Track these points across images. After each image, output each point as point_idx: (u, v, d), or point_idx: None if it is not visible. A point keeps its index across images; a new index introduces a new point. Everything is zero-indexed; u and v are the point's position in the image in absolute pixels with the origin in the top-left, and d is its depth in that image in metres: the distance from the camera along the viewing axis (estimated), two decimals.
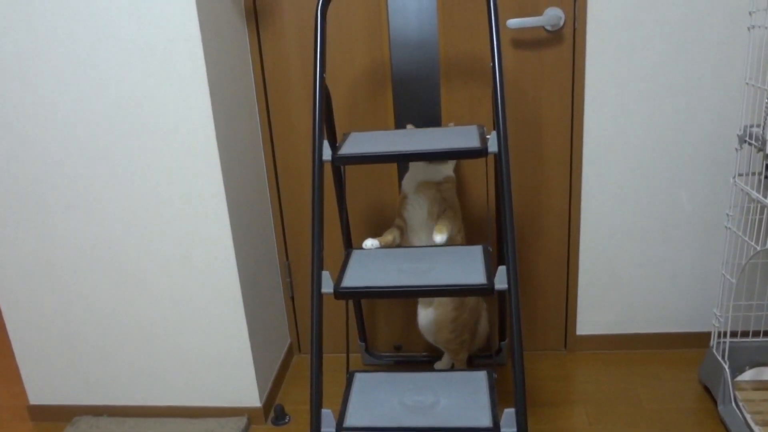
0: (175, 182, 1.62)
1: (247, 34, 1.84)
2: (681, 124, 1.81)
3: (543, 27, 1.75)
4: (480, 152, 1.37)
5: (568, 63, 1.79)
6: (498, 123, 1.37)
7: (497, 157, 1.39)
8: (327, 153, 1.43)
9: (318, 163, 1.41)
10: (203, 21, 1.51)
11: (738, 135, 1.62)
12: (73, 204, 1.67)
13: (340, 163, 1.43)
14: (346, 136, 1.59)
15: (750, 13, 1.58)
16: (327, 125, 1.62)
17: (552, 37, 1.77)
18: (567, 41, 1.77)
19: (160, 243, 1.68)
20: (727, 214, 1.69)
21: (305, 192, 2.00)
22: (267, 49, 1.86)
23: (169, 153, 1.60)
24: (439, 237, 1.62)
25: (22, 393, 2.00)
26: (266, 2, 1.81)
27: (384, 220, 1.98)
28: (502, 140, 1.36)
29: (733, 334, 1.76)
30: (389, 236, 1.71)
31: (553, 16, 1.73)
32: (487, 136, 1.48)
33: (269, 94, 1.90)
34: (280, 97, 1.90)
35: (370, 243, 1.65)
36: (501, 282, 1.36)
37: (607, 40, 1.75)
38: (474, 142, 1.42)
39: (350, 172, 1.94)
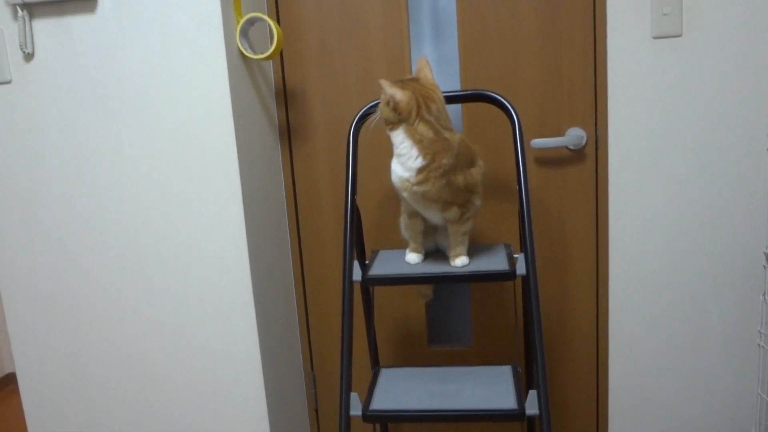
0: (206, 294, 1.65)
1: (279, 151, 1.92)
2: (706, 239, 1.82)
3: (566, 146, 1.81)
4: (508, 275, 1.39)
5: (592, 180, 1.83)
6: (526, 246, 1.39)
7: (525, 280, 1.41)
8: (357, 273, 1.45)
9: (348, 284, 1.44)
10: (240, 142, 1.58)
11: (765, 253, 1.63)
12: (104, 314, 1.70)
13: (370, 284, 1.46)
14: (375, 254, 1.62)
15: None
16: (357, 245, 1.65)
17: (575, 156, 1.82)
18: (589, 159, 1.82)
19: (187, 352, 1.69)
20: (760, 332, 1.67)
21: (331, 303, 2.01)
22: (298, 166, 1.93)
23: (202, 267, 1.64)
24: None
25: None
26: (299, 121, 1.90)
27: (411, 337, 1.98)
28: (530, 264, 1.38)
29: None
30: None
31: (575, 136, 1.79)
32: (515, 255, 1.50)
33: (299, 210, 1.96)
34: (309, 212, 1.96)
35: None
36: (532, 407, 1.34)
37: (629, 158, 1.79)
38: (502, 265, 1.43)
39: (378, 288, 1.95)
